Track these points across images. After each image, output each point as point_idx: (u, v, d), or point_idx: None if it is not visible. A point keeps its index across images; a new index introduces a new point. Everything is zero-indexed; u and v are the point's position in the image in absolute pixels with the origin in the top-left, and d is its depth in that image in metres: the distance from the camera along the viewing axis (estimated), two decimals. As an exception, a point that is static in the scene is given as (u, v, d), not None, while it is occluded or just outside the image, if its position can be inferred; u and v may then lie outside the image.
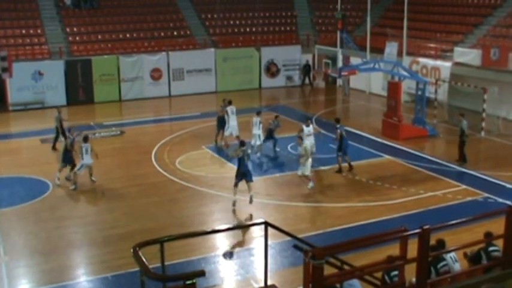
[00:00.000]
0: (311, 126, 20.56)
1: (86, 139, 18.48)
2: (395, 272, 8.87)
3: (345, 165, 19.54)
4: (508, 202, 15.83)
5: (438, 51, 29.09)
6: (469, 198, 16.93)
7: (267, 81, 35.65)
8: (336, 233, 14.69)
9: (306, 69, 36.20)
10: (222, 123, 22.48)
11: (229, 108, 22.15)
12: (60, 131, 22.41)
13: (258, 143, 21.30)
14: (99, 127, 25.59)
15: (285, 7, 39.07)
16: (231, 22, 37.09)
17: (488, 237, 8.91)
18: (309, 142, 19.00)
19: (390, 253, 7.21)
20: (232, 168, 20.02)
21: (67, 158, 18.57)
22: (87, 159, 18.17)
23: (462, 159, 20.15)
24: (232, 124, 22.06)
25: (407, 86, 27.09)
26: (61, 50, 31.85)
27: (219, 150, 22.12)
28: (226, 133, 22.05)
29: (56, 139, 22.39)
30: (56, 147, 22.14)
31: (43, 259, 13.63)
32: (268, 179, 19.06)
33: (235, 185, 16.36)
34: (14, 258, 13.69)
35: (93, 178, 18.51)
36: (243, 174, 16.36)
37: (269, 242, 8.49)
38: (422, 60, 28.98)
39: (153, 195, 17.72)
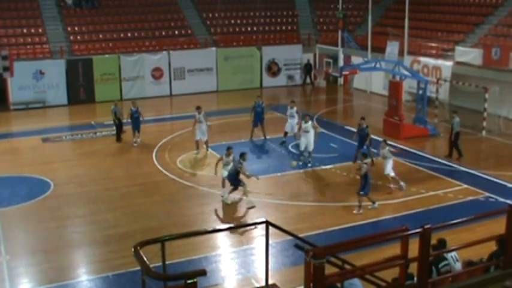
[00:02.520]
0: (309, 122, 20.48)
1: (198, 108, 21.75)
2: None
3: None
4: (509, 201, 15.80)
5: (439, 50, 29.08)
6: (470, 198, 16.93)
7: (268, 81, 35.65)
8: (336, 232, 14.69)
9: (307, 69, 36.20)
10: (258, 118, 23.13)
11: (289, 111, 22.49)
12: (117, 123, 23.34)
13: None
14: (100, 126, 25.59)
15: (286, 6, 39.06)
16: (232, 21, 37.09)
17: (501, 242, 8.91)
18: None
19: (391, 252, 7.20)
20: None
21: (135, 125, 22.73)
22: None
23: (459, 155, 20.52)
24: (290, 122, 22.37)
25: (409, 85, 27.07)
26: (62, 49, 31.87)
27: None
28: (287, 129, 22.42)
29: (118, 131, 23.45)
30: (121, 138, 23.42)
31: (44, 258, 13.65)
32: (269, 178, 19.04)
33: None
34: (15, 257, 13.70)
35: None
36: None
37: (270, 241, 8.48)
38: (423, 59, 28.96)
39: (154, 195, 17.72)
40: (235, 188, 16.76)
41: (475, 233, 11.04)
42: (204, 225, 15.50)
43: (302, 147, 20.22)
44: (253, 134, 23.44)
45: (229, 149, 17.60)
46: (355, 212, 15.88)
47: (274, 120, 25.64)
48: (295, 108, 22.49)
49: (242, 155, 16.77)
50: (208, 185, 18.11)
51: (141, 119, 23.06)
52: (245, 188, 16.71)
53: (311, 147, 20.11)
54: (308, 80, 36.51)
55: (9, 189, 18.35)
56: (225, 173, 17.16)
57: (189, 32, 35.54)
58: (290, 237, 9.20)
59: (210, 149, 21.70)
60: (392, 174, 17.75)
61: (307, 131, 20.02)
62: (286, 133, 22.47)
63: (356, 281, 7.53)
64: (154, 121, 26.62)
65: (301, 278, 6.65)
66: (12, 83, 29.57)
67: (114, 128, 23.73)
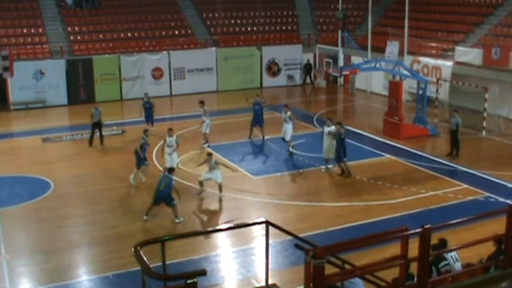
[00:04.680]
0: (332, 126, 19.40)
1: (200, 102, 22.70)
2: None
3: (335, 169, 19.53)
4: (509, 201, 15.84)
5: (439, 50, 29.07)
6: (470, 198, 16.93)
7: (268, 81, 35.66)
8: (336, 232, 14.69)
9: (307, 69, 36.21)
10: (256, 118, 23.10)
11: (283, 115, 21.82)
12: (92, 126, 22.86)
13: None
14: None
15: (286, 6, 39.06)
16: (232, 21, 37.09)
17: (499, 243, 8.96)
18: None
19: (391, 252, 7.20)
20: (233, 167, 20.06)
21: (147, 116, 24.26)
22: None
23: (457, 154, 20.62)
24: (284, 127, 21.62)
25: (409, 85, 27.09)
26: (62, 49, 31.87)
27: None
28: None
29: (92, 134, 22.95)
30: (92, 143, 22.93)
31: (44, 258, 13.65)
32: (269, 178, 19.05)
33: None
34: (15, 257, 13.71)
35: None
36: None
37: (270, 241, 8.48)
38: (423, 59, 28.97)
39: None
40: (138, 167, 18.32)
41: (475, 233, 11.04)
42: (204, 225, 15.50)
43: (326, 155, 19.26)
44: (252, 133, 23.44)
45: (170, 130, 19.14)
46: (176, 220, 15.41)
47: (274, 121, 25.63)
48: (288, 113, 21.65)
49: (145, 131, 18.97)
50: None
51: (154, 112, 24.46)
52: (139, 171, 18.34)
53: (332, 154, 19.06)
54: (308, 80, 36.52)
55: (9, 189, 18.35)
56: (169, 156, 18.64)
57: (189, 32, 35.54)
58: (290, 237, 9.21)
59: (207, 146, 21.96)
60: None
61: (330, 135, 19.06)
62: (283, 139, 21.65)
63: (358, 281, 7.53)
64: (155, 121, 26.54)
65: (301, 278, 6.65)
66: (12, 83, 29.57)
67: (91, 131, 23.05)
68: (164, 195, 15.39)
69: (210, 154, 17.53)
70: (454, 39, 30.05)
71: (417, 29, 31.63)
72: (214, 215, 16.35)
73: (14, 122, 28.13)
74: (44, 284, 12.51)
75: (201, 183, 17.22)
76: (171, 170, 15.93)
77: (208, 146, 22.23)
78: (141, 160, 18.31)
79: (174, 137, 18.78)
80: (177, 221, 15.45)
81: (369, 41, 31.66)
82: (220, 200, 16.96)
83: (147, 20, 35.20)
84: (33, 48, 31.56)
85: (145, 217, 15.61)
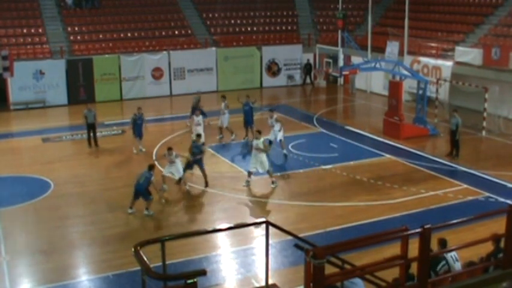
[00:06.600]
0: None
1: (223, 98, 23.99)
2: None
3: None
4: (509, 201, 15.83)
5: (439, 50, 29.07)
6: (470, 198, 16.93)
7: (268, 81, 35.66)
8: (336, 232, 14.69)
9: (307, 69, 36.21)
10: (246, 118, 23.29)
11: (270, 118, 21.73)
12: (88, 127, 22.61)
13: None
14: (100, 126, 25.50)
15: (286, 6, 39.06)
16: (232, 21, 37.09)
17: (497, 241, 8.95)
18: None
19: (391, 252, 7.20)
20: (232, 167, 20.07)
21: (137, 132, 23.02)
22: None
23: (457, 154, 20.64)
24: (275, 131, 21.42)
25: (409, 85, 27.09)
26: (62, 50, 31.87)
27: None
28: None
29: (88, 135, 22.66)
30: (91, 144, 22.72)
31: (44, 258, 13.65)
32: (269, 179, 19.01)
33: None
34: (15, 257, 13.70)
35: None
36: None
37: (270, 241, 8.48)
38: (423, 59, 28.96)
39: (154, 194, 17.65)
40: None
41: (475, 233, 11.02)
42: (204, 225, 15.50)
43: (256, 168, 18.08)
44: (247, 134, 23.35)
45: (139, 108, 22.07)
46: (145, 212, 15.88)
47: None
48: (275, 116, 21.67)
49: (138, 108, 22.01)
50: (209, 185, 18.10)
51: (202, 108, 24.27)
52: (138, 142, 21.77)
53: (266, 167, 18.00)
54: (308, 80, 36.52)
55: (9, 189, 18.35)
56: None
57: (189, 32, 35.54)
58: (290, 237, 9.20)
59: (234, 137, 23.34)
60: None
61: (258, 148, 18.02)
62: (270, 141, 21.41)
63: (358, 281, 7.53)
64: (155, 121, 26.57)
65: (301, 278, 6.65)
66: (12, 83, 29.58)
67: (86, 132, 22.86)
68: (142, 189, 15.93)
69: (170, 148, 17.79)
70: (454, 39, 30.05)
71: (417, 29, 31.62)
72: (214, 214, 16.35)
73: (14, 122, 28.13)
74: (44, 284, 12.52)
75: (163, 179, 17.37)
76: (151, 167, 16.27)
77: (232, 133, 23.30)
78: (135, 132, 21.65)
79: (200, 117, 21.81)
80: (145, 212, 15.98)
81: (369, 41, 31.67)
82: (186, 192, 17.06)
83: (147, 20, 35.20)
84: (33, 48, 31.56)
85: (129, 210, 16.12)
